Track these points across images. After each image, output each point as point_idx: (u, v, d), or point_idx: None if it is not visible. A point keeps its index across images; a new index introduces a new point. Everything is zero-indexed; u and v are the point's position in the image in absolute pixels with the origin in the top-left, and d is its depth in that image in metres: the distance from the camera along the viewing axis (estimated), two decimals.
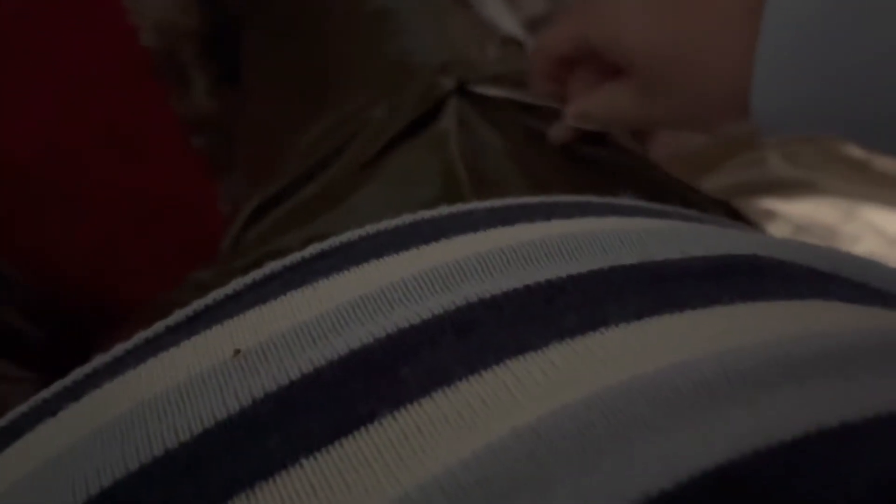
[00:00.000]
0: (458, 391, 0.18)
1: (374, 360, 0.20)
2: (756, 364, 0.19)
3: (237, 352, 0.20)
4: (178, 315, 0.23)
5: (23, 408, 0.22)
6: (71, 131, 0.94)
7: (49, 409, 0.21)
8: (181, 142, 0.97)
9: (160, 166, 0.96)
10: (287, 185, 0.49)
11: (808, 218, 0.67)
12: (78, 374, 0.23)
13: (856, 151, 0.71)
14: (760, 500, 0.15)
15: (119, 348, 0.23)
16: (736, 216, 0.49)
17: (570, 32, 0.44)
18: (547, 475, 0.16)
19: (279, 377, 0.19)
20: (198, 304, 0.23)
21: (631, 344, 0.20)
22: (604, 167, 0.47)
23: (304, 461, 0.17)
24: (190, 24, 1.01)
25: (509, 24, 1.13)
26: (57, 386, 0.22)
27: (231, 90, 1.00)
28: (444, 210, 0.26)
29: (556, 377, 0.19)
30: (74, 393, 0.22)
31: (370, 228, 0.25)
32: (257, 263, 0.24)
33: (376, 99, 0.50)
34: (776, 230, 0.68)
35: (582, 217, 0.26)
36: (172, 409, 0.19)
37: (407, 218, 0.26)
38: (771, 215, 0.69)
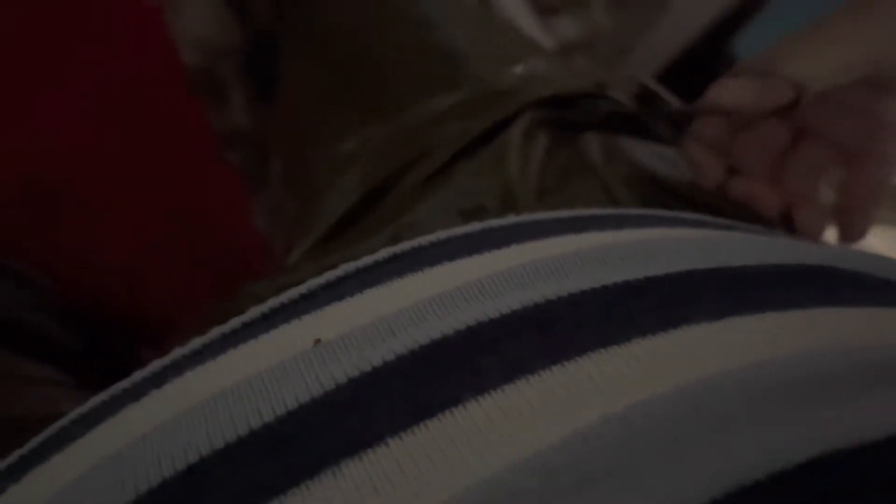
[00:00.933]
0: (542, 380, 0.19)
1: (454, 350, 0.20)
2: (842, 367, 0.19)
3: (317, 341, 0.21)
4: (254, 312, 0.24)
5: (102, 396, 0.23)
6: (107, 145, 0.95)
7: (131, 396, 0.22)
8: (217, 157, 0.98)
9: (196, 181, 0.97)
10: (351, 206, 0.49)
11: None
12: (157, 365, 0.23)
13: None
14: (854, 493, 0.16)
15: (197, 341, 0.23)
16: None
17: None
18: (639, 463, 0.16)
19: (361, 364, 0.20)
20: (273, 302, 0.24)
21: (715, 341, 0.20)
22: (673, 186, 0.46)
23: (389, 440, 0.18)
24: (229, 41, 1.03)
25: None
26: (136, 376, 0.23)
27: (267, 106, 1.01)
28: (512, 218, 0.27)
29: (641, 370, 0.19)
30: (156, 381, 0.22)
31: (441, 234, 0.26)
32: (319, 274, 0.24)
33: (442, 116, 0.50)
34: None
35: (653, 227, 0.26)
36: (255, 393, 0.20)
37: (476, 225, 0.26)
38: None
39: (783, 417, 0.18)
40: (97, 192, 0.93)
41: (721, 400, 0.18)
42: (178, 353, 0.23)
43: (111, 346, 0.81)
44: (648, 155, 0.49)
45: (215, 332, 0.24)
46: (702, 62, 0.96)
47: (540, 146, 0.46)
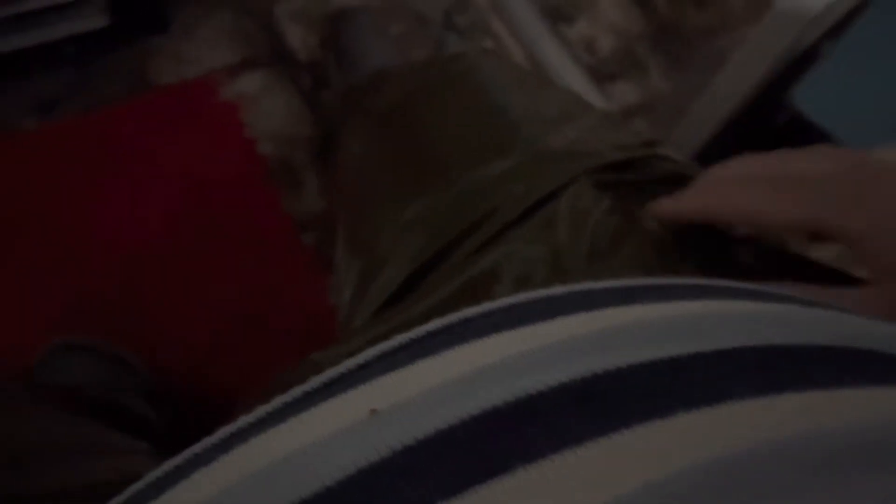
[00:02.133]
0: (587, 449, 0.19)
1: (503, 420, 0.21)
2: (887, 439, 0.19)
3: (373, 411, 0.22)
4: (314, 381, 0.25)
5: (176, 461, 0.24)
6: (193, 233, 1.02)
7: (202, 461, 0.24)
8: (292, 240, 1.03)
9: (272, 263, 1.02)
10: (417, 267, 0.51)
11: None
12: (225, 431, 0.25)
13: None
14: None
15: (261, 409, 0.25)
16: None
17: (811, 212, 0.38)
18: None
19: (414, 432, 0.21)
20: (332, 372, 0.25)
21: (756, 414, 0.20)
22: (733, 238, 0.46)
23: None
24: (303, 132, 1.10)
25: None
26: (206, 442, 0.24)
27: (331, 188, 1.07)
28: (559, 289, 0.27)
29: (684, 441, 0.19)
30: (224, 447, 0.24)
31: (487, 306, 0.26)
32: (374, 342, 0.26)
33: (496, 182, 0.51)
34: None
35: (703, 300, 0.27)
36: (315, 459, 0.21)
37: (522, 296, 0.27)
38: None
39: (824, 488, 0.18)
40: (184, 277, 0.99)
41: (762, 470, 0.18)
42: (244, 420, 0.25)
43: (194, 422, 0.85)
44: None
45: (278, 401, 0.25)
46: (760, 115, 0.96)
47: (591, 209, 0.47)
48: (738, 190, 0.43)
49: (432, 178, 0.56)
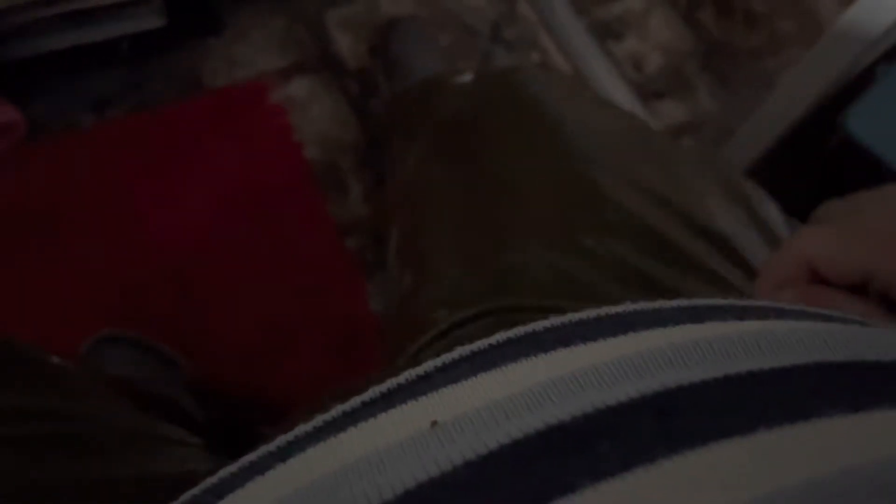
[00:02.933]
0: (661, 469, 0.18)
1: (571, 435, 0.20)
2: None
3: (434, 423, 0.21)
4: (373, 392, 0.24)
5: (231, 468, 0.24)
6: (238, 235, 1.03)
7: (258, 469, 0.23)
8: (337, 244, 1.04)
9: (315, 266, 1.03)
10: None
11: None
12: (282, 440, 0.24)
13: None
14: None
15: (319, 419, 0.24)
16: None
17: (851, 262, 0.37)
18: None
19: (477, 447, 0.20)
20: (391, 383, 0.24)
21: (846, 434, 0.19)
22: None
23: None
24: (349, 138, 1.11)
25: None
26: (262, 451, 0.24)
27: (381, 195, 1.07)
28: (629, 306, 0.26)
29: (766, 462, 0.18)
30: (281, 456, 0.23)
31: (555, 320, 0.25)
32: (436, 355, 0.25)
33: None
34: None
35: (776, 319, 0.26)
36: (374, 471, 0.20)
37: (592, 312, 0.26)
38: None
39: None
40: (228, 277, 1.00)
41: (849, 492, 0.17)
42: (301, 429, 0.24)
43: (234, 420, 0.86)
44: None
45: (337, 410, 0.24)
46: (811, 137, 0.95)
47: None
48: (812, 242, 0.41)
49: (498, 221, 0.53)
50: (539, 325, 0.25)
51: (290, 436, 0.24)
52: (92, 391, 0.52)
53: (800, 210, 0.67)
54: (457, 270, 0.52)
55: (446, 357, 0.25)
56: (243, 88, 1.11)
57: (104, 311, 0.94)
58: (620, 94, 1.16)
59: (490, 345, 0.25)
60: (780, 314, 0.26)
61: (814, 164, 0.98)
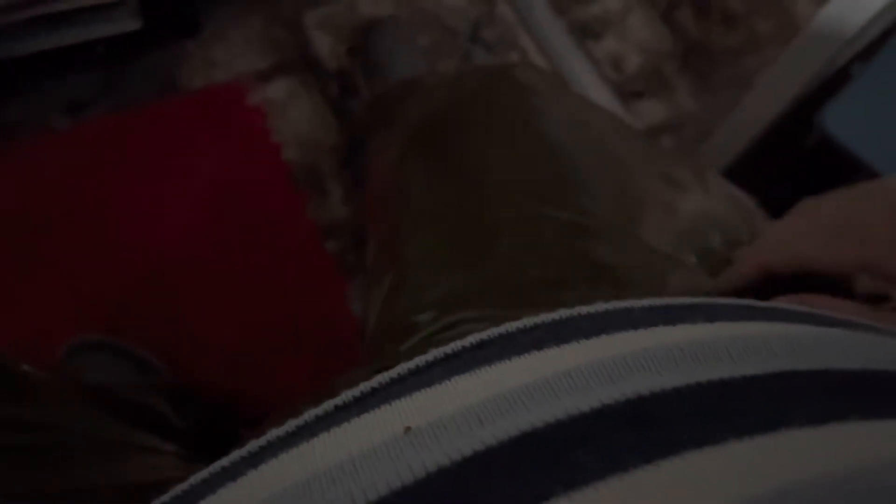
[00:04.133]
0: (635, 478, 0.18)
1: (545, 442, 0.20)
2: None
3: (408, 429, 0.21)
4: (346, 396, 0.24)
5: (203, 474, 0.24)
6: (217, 237, 1.02)
7: (229, 475, 0.23)
8: (317, 246, 1.03)
9: (295, 269, 1.02)
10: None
11: None
12: (254, 445, 0.24)
13: None
14: None
15: (291, 423, 0.24)
16: None
17: (846, 256, 0.39)
18: None
19: (452, 453, 0.20)
20: (365, 386, 0.24)
21: (817, 445, 0.19)
22: None
23: None
24: (329, 139, 1.10)
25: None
26: (234, 456, 0.24)
27: (362, 197, 1.07)
28: (601, 306, 0.26)
29: (738, 471, 0.18)
30: (252, 462, 0.23)
31: (528, 321, 0.25)
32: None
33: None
34: None
35: (748, 321, 0.26)
36: (347, 477, 0.20)
37: (564, 313, 0.26)
38: None
39: None
40: (207, 280, 0.99)
41: (820, 501, 0.17)
42: (273, 434, 0.24)
43: (215, 423, 0.85)
44: None
45: (310, 415, 0.24)
46: (789, 136, 0.96)
47: None
48: (794, 240, 0.42)
49: (481, 223, 0.53)
50: (512, 326, 0.25)
51: (262, 441, 0.24)
52: (64, 400, 0.52)
53: (779, 209, 0.68)
54: (440, 272, 0.52)
55: (420, 360, 0.24)
56: (221, 90, 1.10)
57: (81, 316, 0.93)
58: (600, 94, 1.16)
59: (464, 347, 0.25)
60: (751, 314, 0.26)
61: (792, 164, 0.99)
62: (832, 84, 0.91)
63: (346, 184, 1.08)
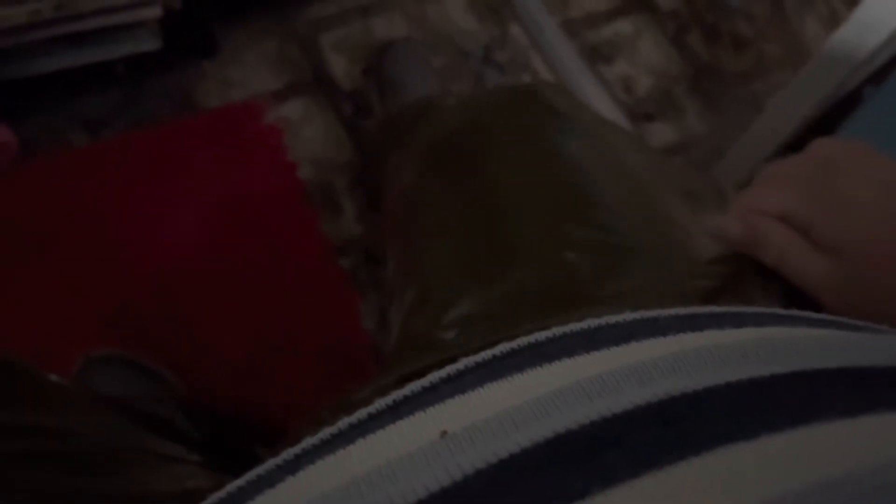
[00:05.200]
0: (669, 475, 0.19)
1: (580, 443, 0.20)
2: None
3: (444, 433, 0.21)
4: (380, 404, 0.24)
5: (239, 482, 0.24)
6: (230, 253, 1.03)
7: (267, 482, 0.23)
8: (330, 263, 1.04)
9: (308, 285, 1.03)
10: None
11: None
12: (290, 453, 0.24)
13: None
14: None
15: (326, 431, 0.24)
16: None
17: (785, 205, 0.41)
18: None
19: (488, 456, 0.20)
20: (397, 395, 0.24)
21: (850, 438, 0.19)
22: None
23: None
24: (342, 157, 1.11)
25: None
26: (270, 464, 0.24)
27: (375, 215, 1.07)
28: (629, 315, 0.27)
29: (772, 466, 0.19)
30: (290, 469, 0.23)
31: (557, 331, 0.26)
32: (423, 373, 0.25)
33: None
34: None
35: (774, 326, 0.26)
36: (386, 481, 0.20)
37: (593, 322, 0.26)
38: None
39: None
40: (222, 296, 1.00)
41: (858, 496, 0.17)
42: (309, 442, 0.24)
43: (227, 436, 0.85)
44: None
45: (344, 423, 0.24)
46: None
47: None
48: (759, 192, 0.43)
49: (502, 240, 0.53)
50: (542, 335, 0.26)
51: (297, 449, 0.24)
52: (90, 409, 0.52)
53: None
54: (462, 290, 0.52)
55: (451, 368, 0.25)
56: (237, 109, 1.11)
57: (96, 329, 0.94)
58: (611, 116, 1.17)
59: (494, 356, 0.25)
60: (776, 321, 0.27)
61: None
62: (844, 107, 0.92)
63: (359, 201, 1.09)
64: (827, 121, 0.93)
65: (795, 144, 0.97)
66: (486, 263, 0.52)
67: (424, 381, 0.25)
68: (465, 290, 0.51)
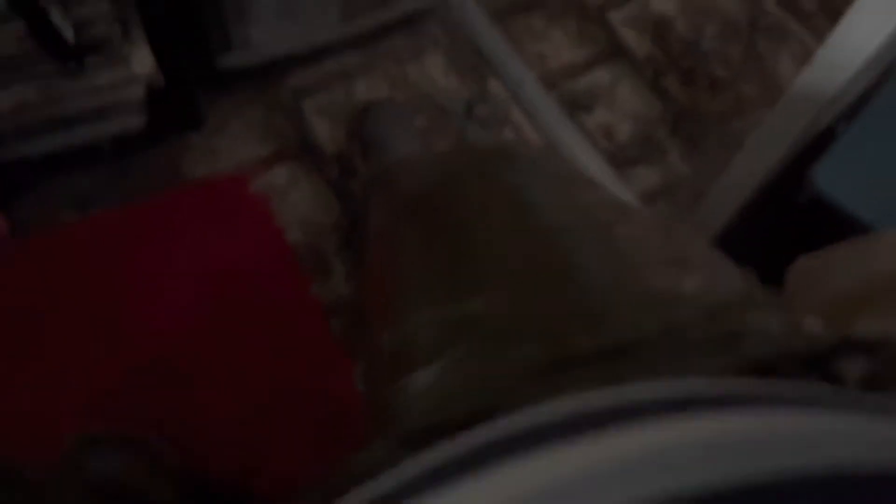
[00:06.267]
0: None
1: None
2: None
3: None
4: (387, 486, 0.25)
5: None
6: (223, 320, 1.03)
7: None
8: (321, 326, 1.04)
9: (302, 348, 1.03)
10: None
11: None
12: None
13: None
14: None
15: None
16: None
17: None
18: None
19: None
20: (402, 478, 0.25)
21: None
22: None
23: None
24: (330, 219, 1.12)
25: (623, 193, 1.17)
26: None
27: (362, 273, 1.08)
28: (609, 395, 0.27)
29: None
30: None
31: (537, 414, 0.27)
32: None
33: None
34: None
35: (810, 407, 0.26)
36: None
37: (594, 399, 0.27)
38: None
39: None
40: (214, 365, 1.00)
41: None
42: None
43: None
44: None
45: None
46: (781, 195, 0.97)
47: None
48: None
49: (473, 283, 0.54)
50: (521, 421, 0.26)
51: None
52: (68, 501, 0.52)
53: (776, 268, 0.68)
54: (438, 344, 0.52)
55: (432, 459, 0.25)
56: (224, 178, 1.13)
57: (88, 407, 0.94)
58: (594, 163, 1.19)
59: (486, 443, 0.25)
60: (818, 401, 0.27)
61: (787, 222, 1.00)
62: (821, 142, 0.93)
63: (348, 262, 1.10)
64: (805, 157, 0.94)
65: (774, 182, 0.98)
66: (460, 322, 0.52)
67: (421, 466, 0.25)
68: (441, 344, 0.51)
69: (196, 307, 1.03)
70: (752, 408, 0.26)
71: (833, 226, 0.89)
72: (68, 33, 0.87)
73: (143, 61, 0.97)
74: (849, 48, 0.86)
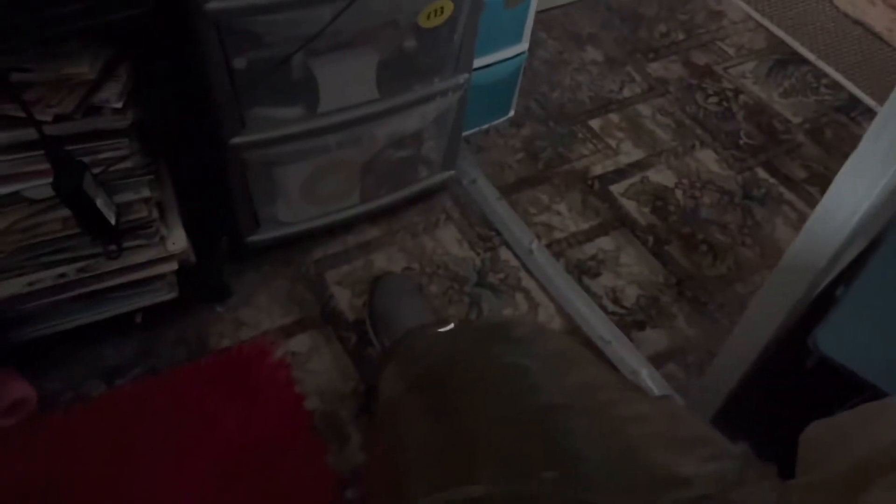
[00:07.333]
0: None
1: None
2: None
3: None
4: None
5: None
6: (238, 491, 1.04)
7: None
8: (334, 497, 1.04)
9: None
10: None
11: None
12: None
13: None
14: None
15: None
16: None
17: None
18: None
19: None
20: None
21: None
22: None
23: None
24: (348, 387, 1.15)
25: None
26: None
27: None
28: None
29: None
30: None
31: None
32: None
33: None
34: None
35: None
36: None
37: None
38: None
39: None
40: None
41: None
42: None
43: None
44: None
45: None
46: (787, 358, 1.00)
47: None
48: None
49: (474, 465, 0.56)
50: None
51: None
52: None
53: (787, 432, 0.70)
54: None
55: None
56: (247, 348, 1.17)
57: None
58: (603, 327, 1.23)
59: None
60: None
61: (796, 385, 1.02)
62: (821, 306, 0.97)
63: (364, 429, 1.11)
64: (805, 322, 0.97)
65: (779, 346, 1.01)
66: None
67: None
68: None
69: (214, 477, 1.04)
70: None
71: (839, 388, 0.91)
72: (111, 218, 0.95)
73: (177, 241, 1.04)
74: (835, 218, 0.91)
